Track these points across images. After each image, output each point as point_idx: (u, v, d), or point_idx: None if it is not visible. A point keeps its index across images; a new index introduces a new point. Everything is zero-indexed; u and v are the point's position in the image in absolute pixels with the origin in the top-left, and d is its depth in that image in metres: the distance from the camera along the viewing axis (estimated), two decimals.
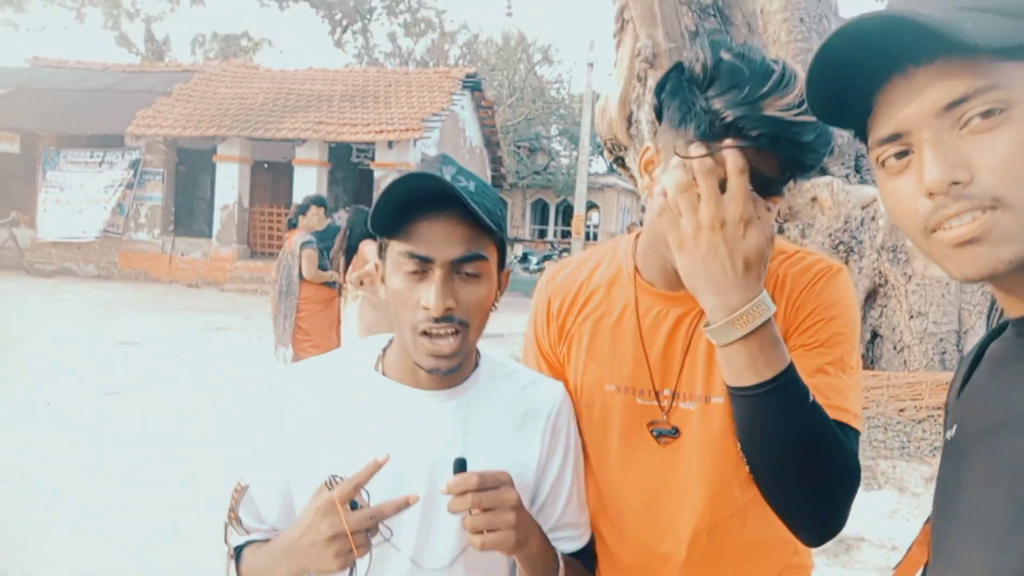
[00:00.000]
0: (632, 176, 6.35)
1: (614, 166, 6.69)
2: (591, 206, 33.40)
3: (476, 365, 1.24)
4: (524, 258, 26.71)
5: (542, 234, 36.17)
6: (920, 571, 0.90)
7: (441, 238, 1.08)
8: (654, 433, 1.26)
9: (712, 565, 1.28)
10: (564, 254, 27.12)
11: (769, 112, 1.03)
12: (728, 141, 1.03)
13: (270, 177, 18.66)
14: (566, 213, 33.55)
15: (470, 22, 49.84)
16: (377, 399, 1.18)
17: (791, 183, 1.14)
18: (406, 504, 1.04)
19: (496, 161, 23.51)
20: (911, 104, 0.72)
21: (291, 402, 1.21)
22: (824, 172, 6.09)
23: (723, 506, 1.27)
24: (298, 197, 16.89)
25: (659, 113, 1.19)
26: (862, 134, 0.82)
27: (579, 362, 1.32)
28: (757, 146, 1.04)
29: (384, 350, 1.24)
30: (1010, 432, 0.73)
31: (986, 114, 0.69)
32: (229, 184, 17.56)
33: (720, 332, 1.00)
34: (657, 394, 1.25)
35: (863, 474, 3.87)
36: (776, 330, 1.01)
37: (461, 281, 1.11)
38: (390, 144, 16.58)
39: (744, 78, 1.05)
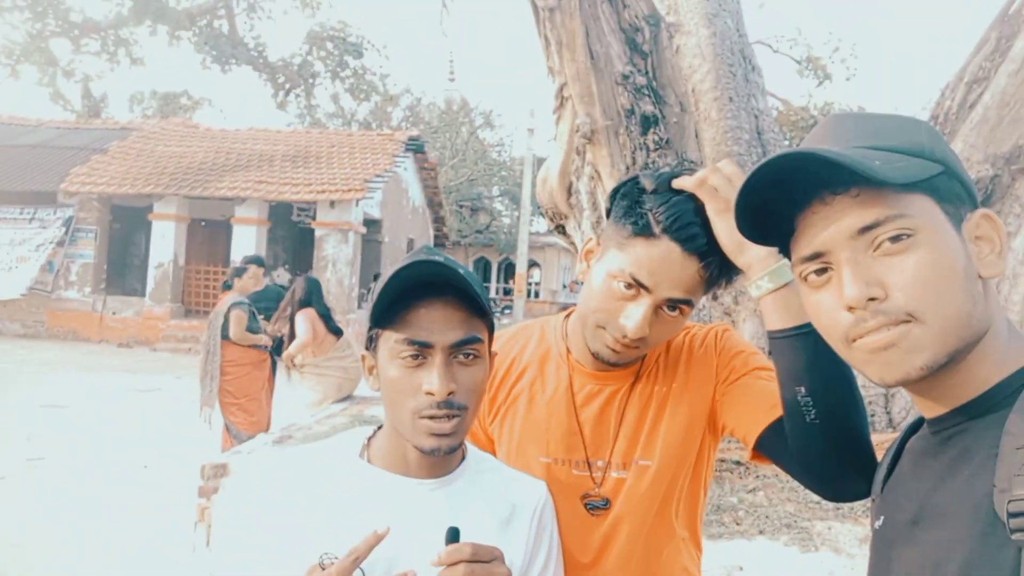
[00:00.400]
0: (572, 243, 6.51)
1: (557, 232, 6.85)
2: (532, 264, 33.75)
3: (463, 456, 1.24)
4: None
5: None
6: None
7: (440, 323, 1.10)
8: (587, 506, 1.32)
9: None
10: (507, 311, 27.24)
11: (698, 225, 1.17)
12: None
13: (207, 235, 18.40)
14: (508, 271, 33.82)
15: (413, 86, 50.54)
16: (366, 488, 1.16)
17: (720, 285, 1.25)
18: (377, 539, 1.02)
19: (439, 220, 23.68)
20: (829, 228, 0.80)
21: (273, 496, 1.17)
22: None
23: (651, 564, 1.35)
24: (236, 255, 16.70)
25: (608, 213, 1.31)
26: (786, 251, 0.90)
27: (513, 435, 1.37)
28: (684, 248, 1.17)
29: (369, 439, 1.23)
30: (930, 526, 0.79)
31: (895, 239, 0.77)
32: (165, 242, 17.25)
33: (778, 273, 1.12)
34: (590, 464, 1.32)
35: (799, 535, 3.96)
36: None
37: (459, 365, 1.12)
38: (332, 204, 16.57)
39: (685, 193, 1.19)
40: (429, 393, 1.09)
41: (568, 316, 1.43)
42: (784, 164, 0.80)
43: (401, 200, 20.46)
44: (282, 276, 19.58)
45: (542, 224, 34.20)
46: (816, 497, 5.17)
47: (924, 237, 0.77)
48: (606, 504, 1.32)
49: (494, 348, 1.39)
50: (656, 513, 1.34)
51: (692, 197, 1.19)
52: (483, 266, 36.75)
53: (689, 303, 1.20)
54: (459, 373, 1.12)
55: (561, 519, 1.31)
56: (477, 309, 1.13)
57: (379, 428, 1.24)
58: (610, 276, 1.22)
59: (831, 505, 4.94)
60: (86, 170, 17.55)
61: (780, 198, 0.83)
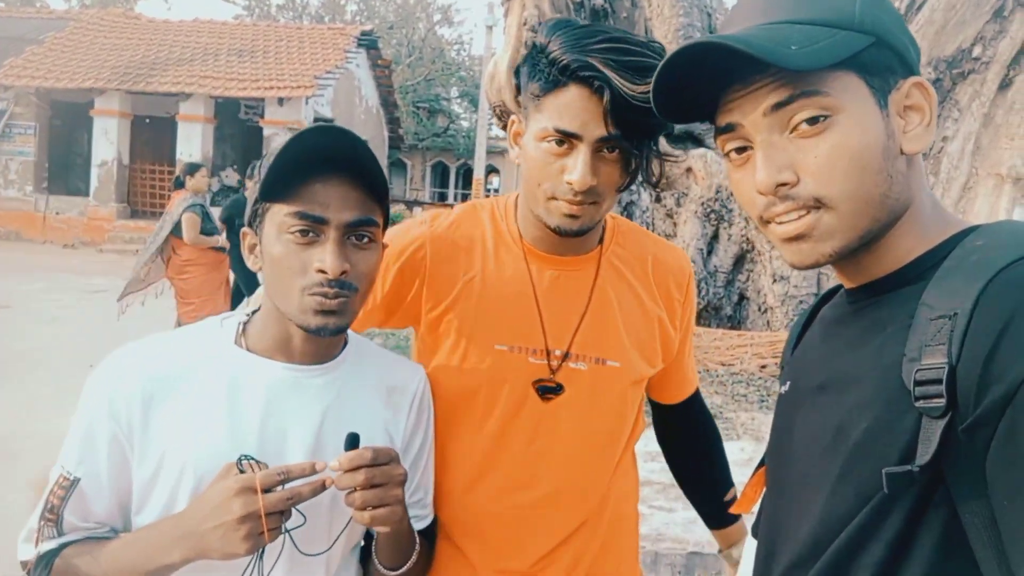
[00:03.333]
0: None
1: (505, 131, 6.78)
2: (491, 170, 33.39)
3: (345, 342, 1.20)
4: None
5: (442, 197, 35.93)
6: (755, 507, 1.01)
7: (337, 200, 1.04)
8: (539, 390, 1.28)
9: (581, 536, 1.35)
10: None
11: (597, 56, 1.10)
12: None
13: (152, 133, 17.79)
14: (467, 176, 33.41)
15: None
16: (245, 376, 1.10)
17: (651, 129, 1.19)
18: (323, 487, 0.99)
19: (394, 122, 23.18)
20: (745, 105, 0.79)
21: (136, 383, 1.07)
22: (700, 144, 6.37)
23: (594, 464, 1.34)
24: (182, 154, 16.24)
25: (518, 88, 1.28)
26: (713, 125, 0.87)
27: (465, 322, 1.30)
28: (593, 88, 1.10)
29: (243, 325, 1.15)
30: (835, 391, 0.81)
31: (812, 120, 0.75)
32: (107, 140, 16.66)
33: None
34: (548, 353, 1.28)
35: (724, 425, 4.19)
36: None
37: (353, 247, 1.07)
38: (281, 101, 16.09)
39: (580, 31, 1.15)
40: (320, 271, 1.03)
41: (516, 198, 1.36)
42: (694, 53, 0.78)
43: (354, 99, 19.92)
44: (231, 176, 19.14)
45: None
46: (743, 391, 5.43)
47: (841, 118, 0.75)
48: (559, 389, 1.28)
49: (441, 226, 1.36)
50: (612, 413, 1.33)
51: (586, 28, 1.15)
52: (441, 171, 36.28)
53: (623, 140, 1.14)
54: (352, 255, 1.06)
55: (510, 406, 1.29)
56: (375, 191, 1.08)
57: (255, 312, 1.17)
58: (539, 140, 1.18)
59: (756, 397, 5.19)
60: (21, 62, 16.71)
61: (698, 81, 0.81)
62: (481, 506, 1.32)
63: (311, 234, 1.04)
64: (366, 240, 1.08)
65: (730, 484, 1.52)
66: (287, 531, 1.02)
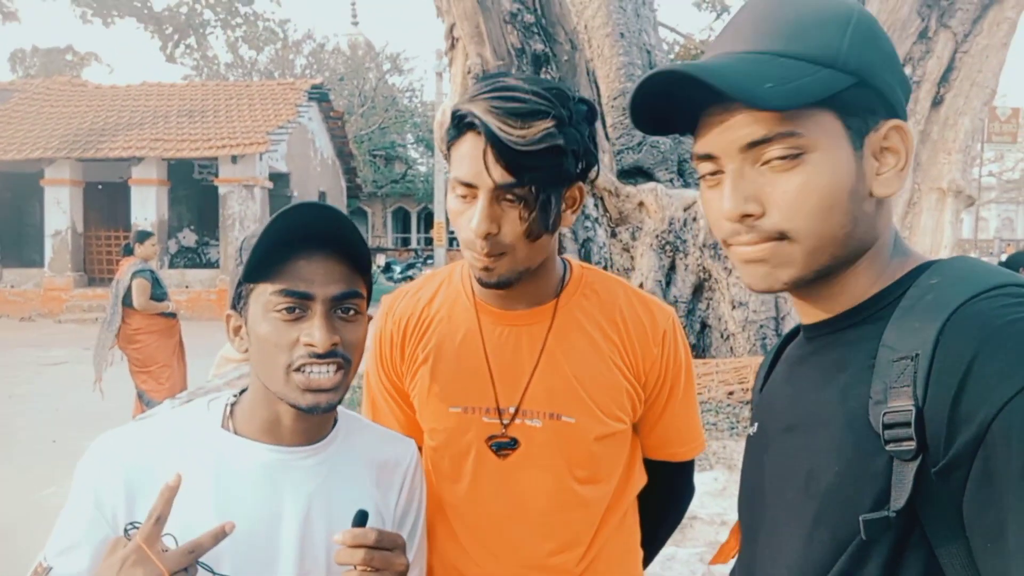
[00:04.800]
0: None
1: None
2: None
3: (335, 420, 1.17)
4: (387, 267, 26.43)
5: (405, 242, 35.96)
6: (735, 558, 0.99)
7: (321, 275, 1.04)
8: (492, 447, 1.27)
9: None
10: (429, 262, 27.08)
11: (480, 104, 1.10)
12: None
13: (105, 199, 17.60)
14: (428, 220, 33.46)
15: (315, 31, 48.78)
16: (231, 459, 1.07)
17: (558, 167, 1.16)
18: (223, 534, 0.93)
19: (350, 171, 23.23)
20: (723, 135, 0.78)
21: (121, 472, 1.04)
22: (651, 178, 6.50)
23: (568, 524, 1.30)
24: (137, 218, 16.09)
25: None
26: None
27: (424, 387, 1.31)
28: (482, 133, 1.09)
29: (230, 407, 1.13)
30: (803, 433, 0.80)
31: (784, 157, 0.75)
32: (60, 209, 16.45)
33: None
34: (500, 411, 1.26)
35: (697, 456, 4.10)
36: None
37: (340, 320, 1.06)
38: (234, 159, 16.05)
39: (481, 84, 1.16)
40: (309, 345, 1.01)
41: None
42: (666, 80, 0.77)
43: (308, 152, 19.94)
44: (188, 237, 18.98)
45: None
46: (712, 419, 5.46)
47: (814, 157, 0.74)
48: (513, 444, 1.27)
49: (400, 305, 1.37)
50: (581, 470, 1.29)
51: (487, 81, 1.16)
52: (402, 216, 36.32)
53: (517, 186, 1.11)
54: (340, 328, 1.05)
55: (474, 467, 1.29)
56: (358, 264, 1.08)
57: (241, 392, 1.14)
58: (451, 194, 1.18)
59: (726, 425, 5.22)
60: None
61: (677, 100, 0.80)
62: (462, 569, 1.33)
63: (297, 311, 1.03)
64: (352, 312, 1.07)
65: (649, 551, 1.48)
66: None
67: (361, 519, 1.01)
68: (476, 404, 1.27)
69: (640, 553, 1.44)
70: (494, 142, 1.08)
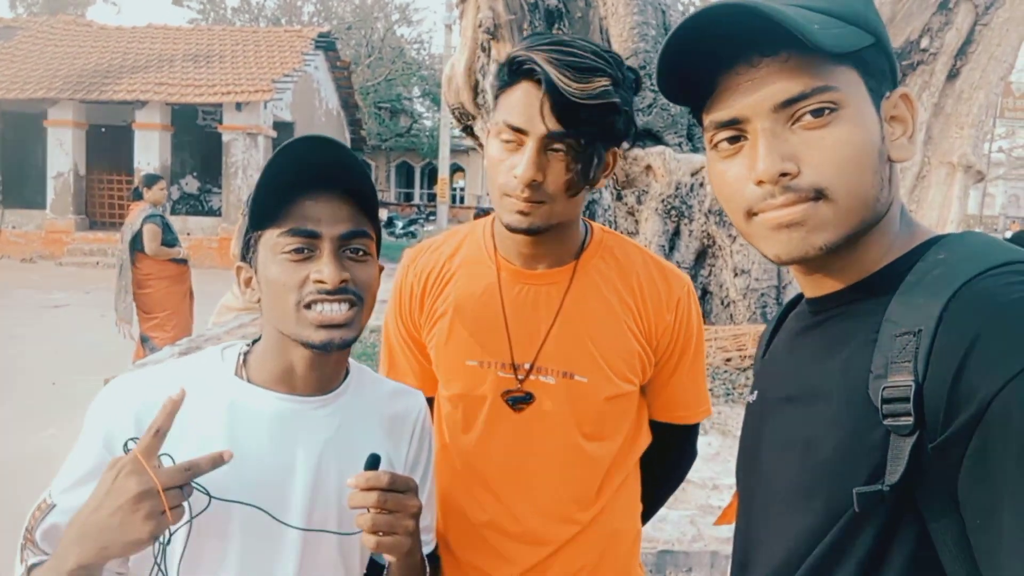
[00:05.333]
0: (481, 144, 6.47)
1: (463, 133, 6.77)
2: (457, 169, 33.35)
3: (347, 372, 1.18)
4: (389, 222, 26.36)
5: (408, 197, 35.81)
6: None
7: (328, 213, 1.03)
8: (508, 401, 1.31)
9: (574, 548, 1.37)
10: (431, 218, 27.01)
11: (541, 53, 1.14)
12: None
13: (109, 142, 17.47)
14: (432, 176, 33.28)
15: None
16: (245, 406, 1.08)
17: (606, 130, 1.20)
18: (221, 459, 0.92)
19: (355, 124, 23.02)
20: (752, 95, 0.76)
21: (132, 415, 1.02)
22: (659, 141, 6.43)
23: (576, 478, 1.35)
24: (140, 163, 15.99)
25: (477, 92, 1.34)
26: (698, 113, 0.85)
27: (441, 339, 1.35)
28: (537, 82, 1.14)
29: (244, 355, 1.13)
30: (802, 403, 0.81)
31: (817, 112, 0.74)
32: (62, 151, 16.34)
33: None
34: (515, 367, 1.30)
35: None
36: None
37: (349, 260, 1.05)
38: (239, 106, 15.89)
39: (535, 36, 1.20)
40: (319, 282, 1.01)
41: (495, 216, 1.37)
42: (720, 14, 0.75)
43: (313, 101, 19.74)
44: (191, 184, 18.89)
45: None
46: (708, 384, 5.48)
47: (846, 113, 0.74)
48: (528, 398, 1.30)
49: (422, 259, 1.40)
50: (589, 428, 1.33)
51: (542, 34, 1.21)
52: (405, 171, 36.12)
53: (567, 136, 1.16)
54: (350, 267, 1.04)
55: (487, 419, 1.33)
56: (365, 206, 1.07)
57: (255, 342, 1.14)
58: (494, 137, 1.22)
59: (722, 391, 5.25)
60: None
61: (705, 53, 0.78)
62: (471, 515, 1.37)
63: (305, 251, 1.03)
64: (361, 253, 1.07)
65: (647, 514, 1.52)
66: (192, 517, 0.97)
67: (373, 462, 1.01)
68: (492, 359, 1.31)
69: (640, 508, 1.48)
70: (552, 91, 1.12)
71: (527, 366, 1.30)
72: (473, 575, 1.38)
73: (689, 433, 1.48)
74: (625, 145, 1.25)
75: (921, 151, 6.17)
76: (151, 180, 6.47)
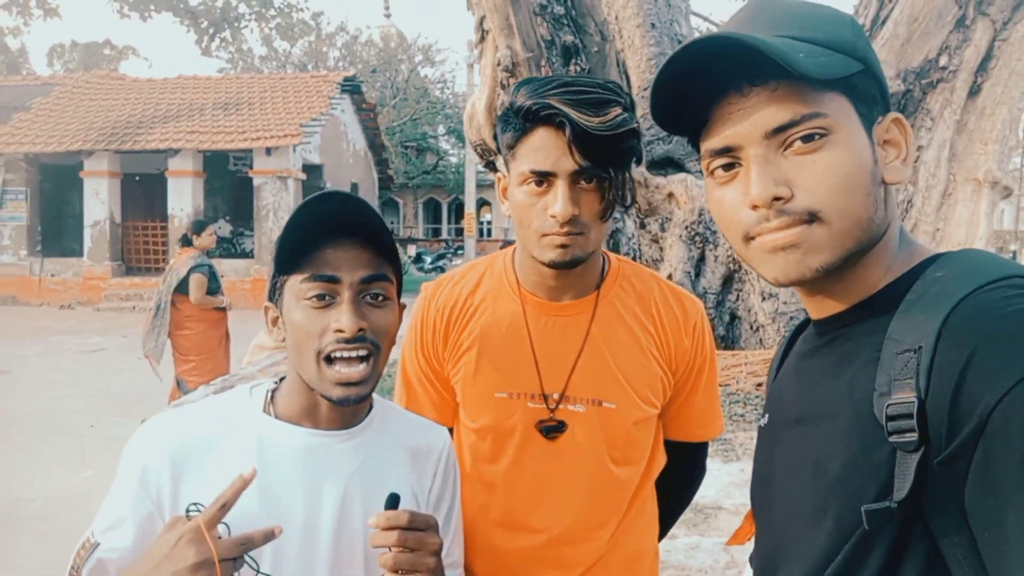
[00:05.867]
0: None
1: (486, 169, 6.85)
2: (483, 203, 33.57)
3: (371, 406, 1.21)
4: (418, 258, 26.56)
5: (435, 233, 36.09)
6: (750, 541, 1.01)
7: (348, 261, 1.07)
8: (542, 431, 1.33)
9: (599, 570, 1.39)
10: (459, 252, 27.16)
11: (554, 97, 1.19)
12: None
13: (142, 190, 17.90)
14: (459, 211, 33.50)
15: (349, 23, 48.98)
16: (272, 441, 1.11)
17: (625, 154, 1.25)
18: (272, 535, 0.98)
19: (382, 163, 23.36)
20: (743, 123, 0.78)
21: (166, 453, 1.08)
22: (681, 168, 6.46)
23: (603, 502, 1.38)
24: (174, 209, 16.34)
25: (498, 149, 1.37)
26: (695, 142, 0.87)
27: (469, 373, 1.38)
28: (556, 126, 1.19)
29: (271, 393, 1.17)
30: (811, 424, 0.82)
31: (807, 138, 0.76)
32: (98, 200, 16.76)
33: None
34: (546, 397, 1.33)
35: (723, 447, 4.19)
36: None
37: (369, 305, 1.09)
38: (268, 151, 16.22)
39: (539, 81, 1.24)
40: (339, 331, 1.05)
41: (514, 250, 1.42)
42: (706, 48, 0.77)
43: (341, 144, 20.09)
44: (223, 228, 19.24)
45: None
46: (740, 410, 5.45)
47: (836, 137, 0.76)
48: (562, 426, 1.33)
49: (443, 292, 1.43)
50: (617, 454, 1.37)
51: (545, 78, 1.25)
52: (433, 207, 36.44)
53: (594, 168, 1.20)
54: (369, 313, 1.08)
55: (516, 450, 1.36)
56: (384, 250, 1.11)
57: (281, 379, 1.19)
58: (520, 185, 1.25)
59: (753, 416, 5.20)
60: (9, 129, 16.87)
61: (697, 85, 0.81)
62: (496, 543, 1.40)
63: (327, 297, 1.07)
64: (380, 298, 1.10)
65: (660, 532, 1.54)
66: None
67: (393, 502, 1.03)
68: (522, 390, 1.34)
69: (657, 528, 1.51)
70: (575, 130, 1.16)
71: (556, 396, 1.33)
72: None
73: (702, 450, 1.53)
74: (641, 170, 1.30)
75: (946, 169, 6.13)
76: (200, 227, 6.59)
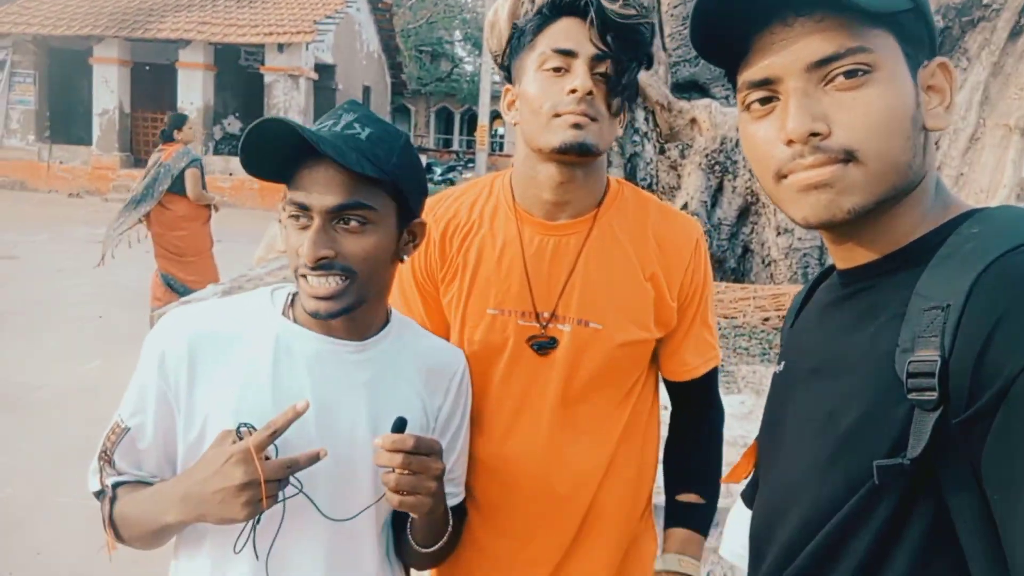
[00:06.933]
0: None
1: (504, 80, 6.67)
2: (496, 116, 33.00)
3: (387, 322, 1.22)
4: (428, 168, 26.28)
5: (447, 144, 35.63)
6: (747, 479, 1.02)
7: (320, 185, 1.04)
8: (534, 346, 1.36)
9: (579, 499, 1.40)
10: (470, 165, 26.89)
11: None
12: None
13: (153, 80, 17.61)
14: (471, 122, 32.94)
15: None
16: (289, 344, 1.13)
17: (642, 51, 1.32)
18: (318, 457, 1.02)
19: (396, 67, 22.89)
20: (785, 54, 0.76)
21: (186, 342, 1.11)
22: (705, 94, 6.29)
23: (583, 423, 1.39)
24: (183, 102, 16.12)
25: (509, 70, 1.38)
26: (732, 75, 0.84)
27: (463, 288, 1.39)
28: (581, 17, 1.26)
29: (292, 296, 1.19)
30: (828, 376, 0.81)
31: (850, 73, 0.73)
32: (108, 88, 16.54)
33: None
34: (537, 315, 1.36)
35: (725, 378, 4.11)
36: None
37: (344, 231, 1.07)
38: (281, 47, 15.87)
39: None
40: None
41: (512, 170, 1.43)
42: None
43: (355, 44, 19.63)
44: (233, 124, 19.00)
45: None
46: (745, 343, 5.46)
47: (880, 76, 0.74)
48: (553, 343, 1.36)
49: (442, 208, 1.42)
50: (598, 374, 1.37)
51: None
52: (445, 117, 35.88)
53: (614, 57, 1.27)
54: (343, 239, 1.07)
55: (505, 367, 1.37)
56: (367, 177, 1.06)
57: None
58: (537, 70, 1.28)
59: (758, 350, 5.23)
60: (17, 8, 16.49)
61: (740, 12, 0.78)
62: (485, 456, 1.40)
63: (303, 219, 1.07)
64: (356, 223, 1.07)
65: (704, 487, 1.48)
66: (284, 499, 1.06)
67: (400, 425, 1.05)
68: (513, 307, 1.36)
69: (654, 467, 1.52)
70: (599, 14, 1.24)
71: (547, 314, 1.35)
72: (494, 513, 1.41)
73: (709, 383, 1.49)
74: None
75: (977, 112, 5.97)
76: (181, 120, 6.41)
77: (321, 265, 1.06)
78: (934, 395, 0.66)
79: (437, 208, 1.45)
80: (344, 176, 1.04)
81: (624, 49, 1.27)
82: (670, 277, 1.38)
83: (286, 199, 1.08)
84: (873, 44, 0.73)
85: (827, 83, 0.74)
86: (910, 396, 0.68)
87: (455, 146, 34.74)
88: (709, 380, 1.48)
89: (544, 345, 1.36)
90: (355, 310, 1.11)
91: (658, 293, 1.37)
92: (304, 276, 1.08)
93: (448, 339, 1.41)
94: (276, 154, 1.06)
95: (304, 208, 1.06)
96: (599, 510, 1.42)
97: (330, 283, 1.07)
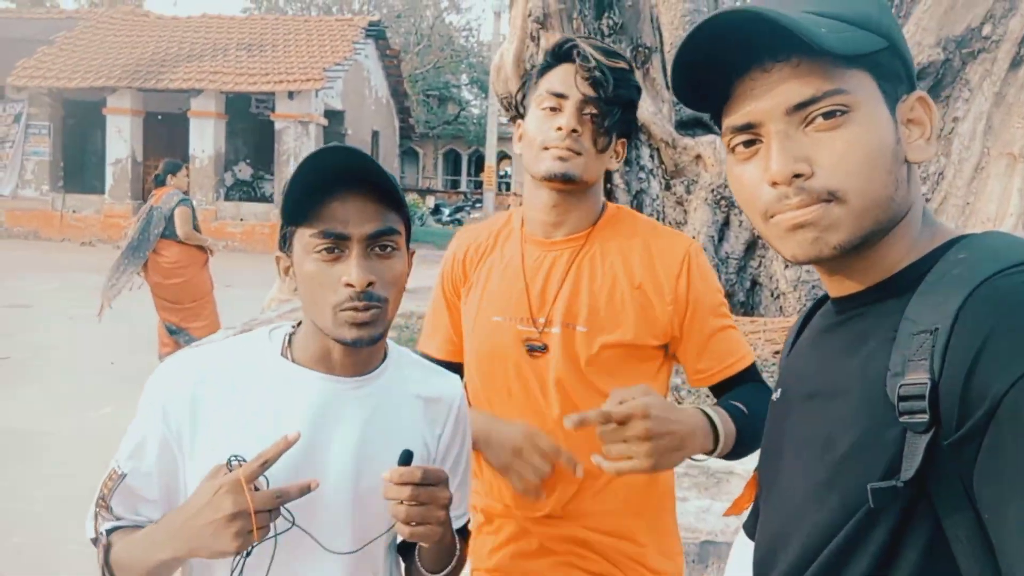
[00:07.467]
0: None
1: (510, 121, 6.75)
2: (503, 156, 33.30)
3: (386, 354, 1.24)
4: (436, 210, 26.47)
5: (455, 185, 35.91)
6: (748, 510, 1.02)
7: (355, 214, 1.08)
8: (527, 348, 1.52)
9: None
10: (478, 205, 27.06)
11: (575, 43, 1.46)
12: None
13: (165, 130, 17.90)
14: (478, 163, 33.25)
15: None
16: (288, 387, 1.15)
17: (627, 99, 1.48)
18: (309, 489, 1.03)
19: (404, 111, 23.19)
20: (765, 99, 0.78)
21: (188, 388, 1.12)
22: (709, 131, 6.35)
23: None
24: (195, 149, 16.36)
25: (519, 108, 1.55)
26: (717, 118, 0.86)
27: (476, 300, 1.59)
28: (574, 64, 1.44)
29: (289, 337, 1.20)
30: (823, 401, 0.82)
31: (828, 114, 0.75)
32: (121, 138, 16.82)
33: None
34: (534, 321, 1.52)
35: None
36: None
37: (377, 257, 1.10)
38: (291, 95, 16.14)
39: (567, 38, 1.50)
40: (348, 285, 1.07)
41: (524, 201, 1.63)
42: (728, 22, 0.77)
43: (363, 90, 19.94)
44: (244, 171, 19.24)
45: None
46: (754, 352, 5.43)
47: (858, 115, 0.75)
48: (543, 348, 1.51)
49: (469, 234, 1.60)
50: (588, 372, 1.47)
51: (588, 38, 1.51)
52: (453, 158, 36.21)
53: (599, 99, 1.43)
54: (377, 265, 1.10)
55: (508, 367, 1.53)
56: (392, 202, 1.12)
57: (298, 325, 1.22)
58: (536, 109, 1.48)
59: (770, 383, 5.17)
60: (33, 63, 16.86)
61: (719, 60, 0.80)
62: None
63: (336, 251, 1.09)
64: (389, 250, 1.12)
65: (750, 406, 1.44)
66: (276, 533, 1.06)
67: (407, 458, 1.07)
68: (513, 314, 1.54)
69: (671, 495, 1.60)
70: (587, 61, 1.42)
71: (542, 320, 1.51)
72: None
73: (751, 376, 1.50)
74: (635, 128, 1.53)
75: (981, 142, 5.98)
76: (175, 167, 6.42)
77: (366, 294, 1.08)
78: (925, 417, 0.67)
79: (464, 234, 1.71)
80: (376, 204, 1.10)
81: (608, 96, 1.44)
82: (659, 286, 1.48)
83: (309, 235, 1.09)
84: (849, 85, 0.75)
85: (807, 124, 0.76)
86: (902, 419, 0.69)
87: (463, 187, 34.97)
88: (745, 377, 1.50)
89: (535, 348, 1.51)
90: (383, 338, 1.16)
91: (646, 301, 1.48)
92: (347, 308, 1.08)
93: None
94: (305, 188, 1.08)
95: (341, 238, 1.08)
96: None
97: (370, 311, 1.09)
